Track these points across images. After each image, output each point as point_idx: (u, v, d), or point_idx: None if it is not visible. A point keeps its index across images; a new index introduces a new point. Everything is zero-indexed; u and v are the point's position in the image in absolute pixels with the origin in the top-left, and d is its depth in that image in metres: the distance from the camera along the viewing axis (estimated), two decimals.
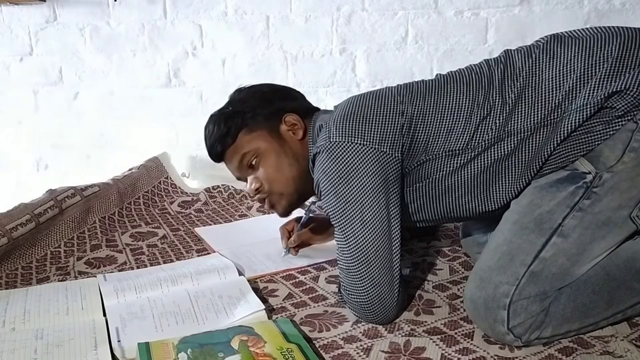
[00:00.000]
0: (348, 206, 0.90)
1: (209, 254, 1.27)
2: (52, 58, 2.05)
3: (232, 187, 1.77)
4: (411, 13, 1.75)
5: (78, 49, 2.02)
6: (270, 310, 0.99)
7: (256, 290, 1.05)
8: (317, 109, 1.15)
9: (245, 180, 1.13)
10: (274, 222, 1.34)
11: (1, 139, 2.17)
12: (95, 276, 1.12)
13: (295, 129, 1.09)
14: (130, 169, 1.77)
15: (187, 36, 1.93)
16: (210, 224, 1.52)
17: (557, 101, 0.88)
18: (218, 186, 1.79)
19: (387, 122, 0.93)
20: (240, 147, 1.09)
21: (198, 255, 1.27)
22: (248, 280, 1.06)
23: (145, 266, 1.22)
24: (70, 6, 1.98)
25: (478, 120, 0.92)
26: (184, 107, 2.00)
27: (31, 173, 2.18)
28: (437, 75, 1.01)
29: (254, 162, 1.09)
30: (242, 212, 1.63)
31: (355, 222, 0.90)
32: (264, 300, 1.00)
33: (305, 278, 1.13)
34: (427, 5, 1.73)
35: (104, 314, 0.95)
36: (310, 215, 1.25)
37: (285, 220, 1.26)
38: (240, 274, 1.11)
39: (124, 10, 1.95)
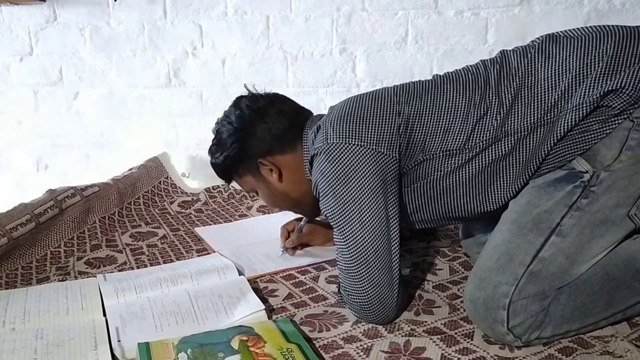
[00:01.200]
0: (347, 207, 0.90)
1: (209, 254, 1.27)
2: (52, 58, 2.05)
3: (232, 187, 1.77)
4: (411, 13, 1.75)
5: (78, 49, 2.02)
6: (270, 310, 0.99)
7: (256, 290, 1.05)
8: (309, 114, 1.13)
9: None
10: (274, 222, 1.34)
11: (1, 139, 2.17)
12: (95, 276, 1.12)
13: (272, 171, 1.09)
14: (130, 169, 1.77)
15: (187, 36, 1.93)
16: (210, 224, 1.52)
17: (553, 101, 0.88)
18: (218, 186, 1.79)
19: (384, 123, 0.93)
20: (239, 184, 1.17)
21: (198, 255, 1.27)
22: (248, 280, 1.06)
23: (145, 266, 1.22)
24: (70, 6, 1.98)
25: (475, 120, 0.92)
26: (184, 107, 2.00)
27: (31, 173, 2.18)
28: (434, 75, 1.02)
29: (255, 193, 1.18)
30: (242, 212, 1.63)
31: (354, 222, 0.90)
32: (264, 300, 1.00)
33: (305, 278, 1.13)
34: (427, 5, 1.73)
35: (104, 314, 0.96)
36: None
37: (287, 219, 1.26)
38: (240, 273, 1.11)
39: (124, 10, 1.95)
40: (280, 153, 1.08)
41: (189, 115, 2.00)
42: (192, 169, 2.03)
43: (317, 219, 1.28)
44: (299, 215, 1.26)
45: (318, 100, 1.87)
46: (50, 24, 2.01)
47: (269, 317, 0.96)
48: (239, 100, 1.12)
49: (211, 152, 1.13)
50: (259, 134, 1.07)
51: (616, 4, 1.61)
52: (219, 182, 1.78)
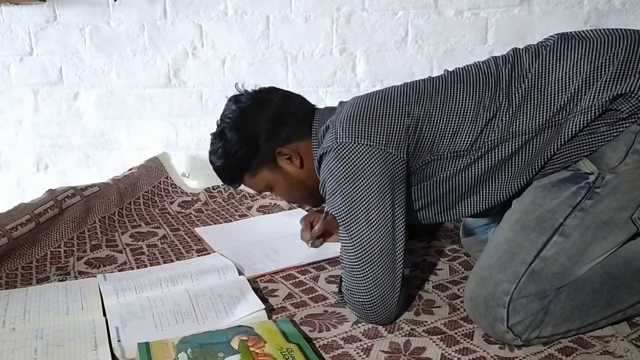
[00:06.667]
0: (354, 206, 0.90)
1: (209, 254, 1.27)
2: (52, 58, 2.05)
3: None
4: (411, 13, 1.75)
5: (78, 49, 2.02)
6: (270, 310, 0.99)
7: (256, 290, 1.05)
8: (313, 106, 1.13)
9: None
10: (273, 222, 1.34)
11: (1, 139, 2.17)
12: (95, 276, 1.12)
13: (293, 159, 1.09)
14: (130, 169, 1.77)
15: (187, 36, 1.93)
16: (210, 224, 1.52)
17: (562, 103, 0.88)
18: (218, 186, 1.79)
19: (393, 124, 0.93)
20: (250, 184, 1.16)
21: (198, 255, 1.27)
22: (248, 280, 1.06)
23: (145, 266, 1.22)
24: (70, 6, 1.98)
25: (484, 122, 0.92)
26: (184, 107, 2.00)
27: (31, 173, 2.18)
28: (445, 71, 1.01)
29: (268, 190, 1.17)
30: (242, 212, 1.63)
31: (360, 221, 0.90)
32: (264, 300, 1.00)
33: (305, 278, 1.13)
34: (427, 5, 1.73)
35: (104, 314, 0.95)
36: None
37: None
38: (240, 273, 1.10)
39: (124, 10, 1.94)
40: (297, 140, 1.08)
41: (189, 115, 2.00)
42: (192, 169, 2.03)
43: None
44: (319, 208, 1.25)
45: (318, 100, 1.87)
46: (50, 24, 2.01)
47: (269, 317, 0.96)
48: (237, 96, 1.11)
49: (217, 156, 1.11)
50: (281, 121, 1.08)
51: (616, 4, 1.61)
52: (219, 182, 1.79)
